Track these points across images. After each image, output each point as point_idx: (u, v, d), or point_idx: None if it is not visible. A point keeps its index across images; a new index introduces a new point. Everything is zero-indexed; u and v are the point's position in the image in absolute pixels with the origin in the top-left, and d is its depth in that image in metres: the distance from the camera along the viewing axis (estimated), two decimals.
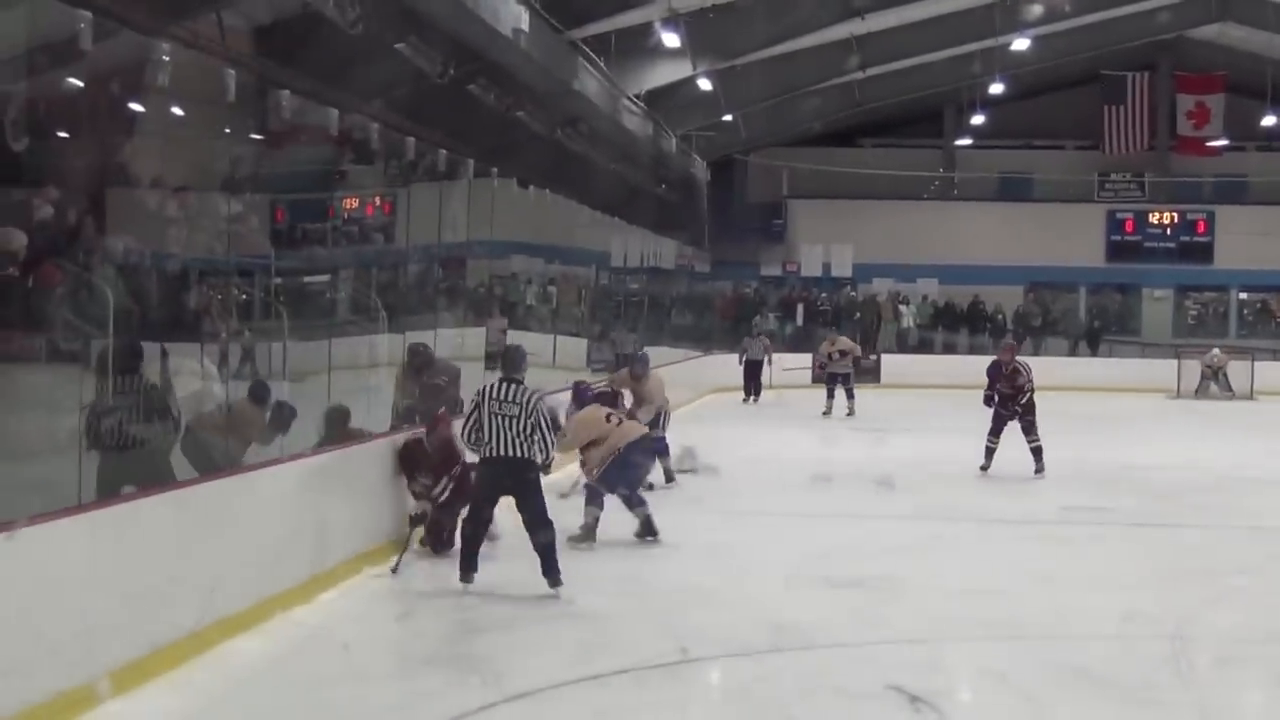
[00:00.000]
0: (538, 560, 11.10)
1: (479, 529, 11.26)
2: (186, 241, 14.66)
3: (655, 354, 28.84)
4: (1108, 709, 8.43)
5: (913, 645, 10.03)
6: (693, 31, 26.80)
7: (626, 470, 13.61)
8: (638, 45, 26.90)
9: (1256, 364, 38.95)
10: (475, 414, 11.18)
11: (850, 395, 28.57)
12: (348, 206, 20.94)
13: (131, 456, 10.21)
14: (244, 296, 16.14)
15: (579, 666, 9.10)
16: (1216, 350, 39.77)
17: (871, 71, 37.13)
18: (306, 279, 19.26)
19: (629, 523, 13.41)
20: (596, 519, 13.43)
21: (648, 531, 13.54)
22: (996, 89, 43.54)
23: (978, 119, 47.23)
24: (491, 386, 11.23)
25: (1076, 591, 12.01)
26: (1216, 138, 46.59)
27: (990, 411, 18.83)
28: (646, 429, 14.42)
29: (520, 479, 11.09)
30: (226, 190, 15.90)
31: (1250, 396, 37.29)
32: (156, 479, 9.74)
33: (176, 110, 15.25)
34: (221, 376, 12.73)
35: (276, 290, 16.36)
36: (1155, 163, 48.00)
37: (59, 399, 10.45)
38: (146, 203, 14.48)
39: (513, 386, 11.13)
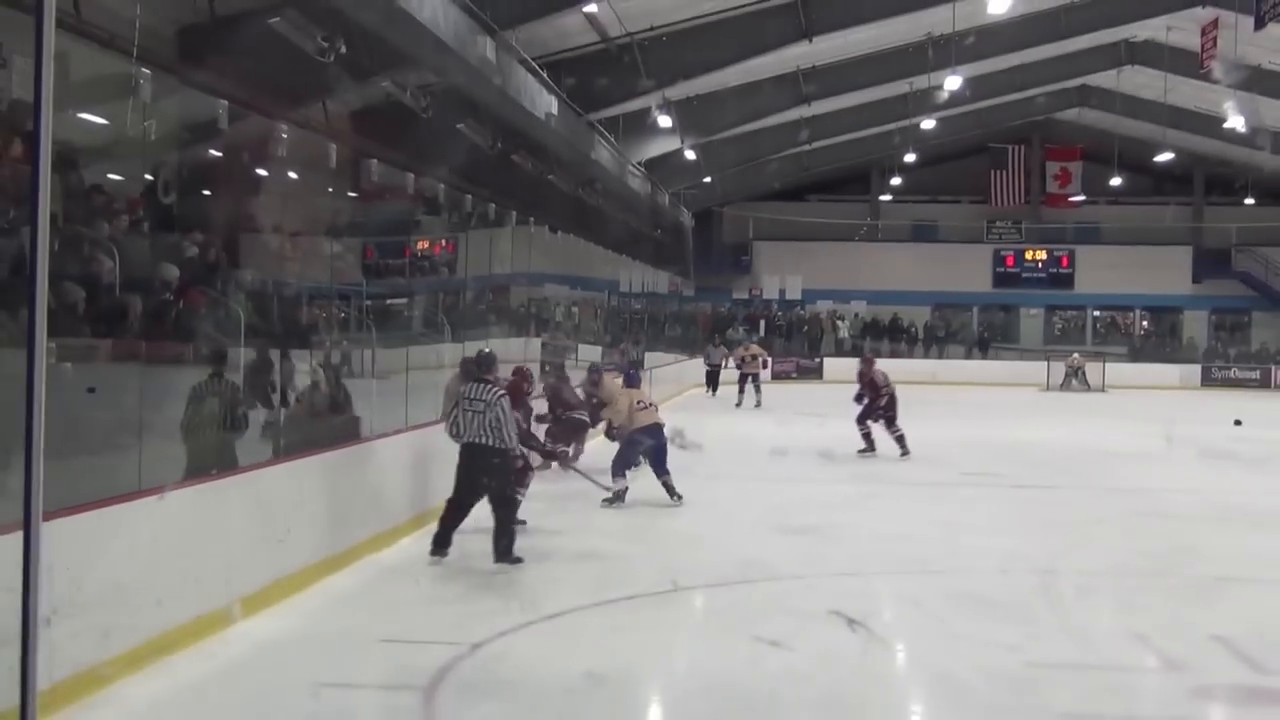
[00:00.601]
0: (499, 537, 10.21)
1: (458, 512, 10.28)
2: (299, 273, 14.65)
3: (651, 358, 28.97)
4: (994, 626, 8.39)
5: (848, 577, 10.04)
6: (681, 115, 26.80)
7: (628, 448, 13.59)
8: (640, 125, 26.89)
9: (1107, 365, 39.18)
10: (455, 411, 10.41)
11: (758, 390, 28.46)
12: (421, 247, 20.89)
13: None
14: (343, 315, 16.08)
15: (595, 594, 9.09)
16: (1076, 354, 39.93)
17: (816, 144, 37.20)
18: (389, 301, 19.22)
19: (631, 486, 13.38)
20: (625, 488, 13.34)
21: (670, 494, 13.49)
22: (910, 157, 43.61)
23: (896, 180, 47.36)
24: (467, 387, 10.46)
25: (971, 536, 12.02)
26: (1076, 194, 46.74)
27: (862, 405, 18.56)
28: (659, 419, 14.27)
29: (486, 463, 10.12)
30: (330, 235, 15.91)
31: (1103, 389, 37.33)
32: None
33: (292, 174, 15.23)
34: (326, 375, 12.67)
35: (367, 310, 16.31)
36: (1030, 213, 48.06)
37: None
38: (269, 244, 14.48)
39: (481, 386, 10.31)
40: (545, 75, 20.27)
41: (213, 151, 13.96)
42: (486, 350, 11.55)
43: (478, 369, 10.77)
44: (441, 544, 10.21)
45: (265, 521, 8.45)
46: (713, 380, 31.69)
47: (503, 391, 10.40)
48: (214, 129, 12.72)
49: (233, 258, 12.95)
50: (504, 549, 10.09)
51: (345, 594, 9.09)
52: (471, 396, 10.24)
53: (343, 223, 16.79)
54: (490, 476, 10.16)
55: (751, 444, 19.78)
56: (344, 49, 13.67)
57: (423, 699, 6.66)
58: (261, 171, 14.98)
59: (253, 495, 8.37)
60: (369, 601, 9.00)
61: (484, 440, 10.12)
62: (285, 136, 14.05)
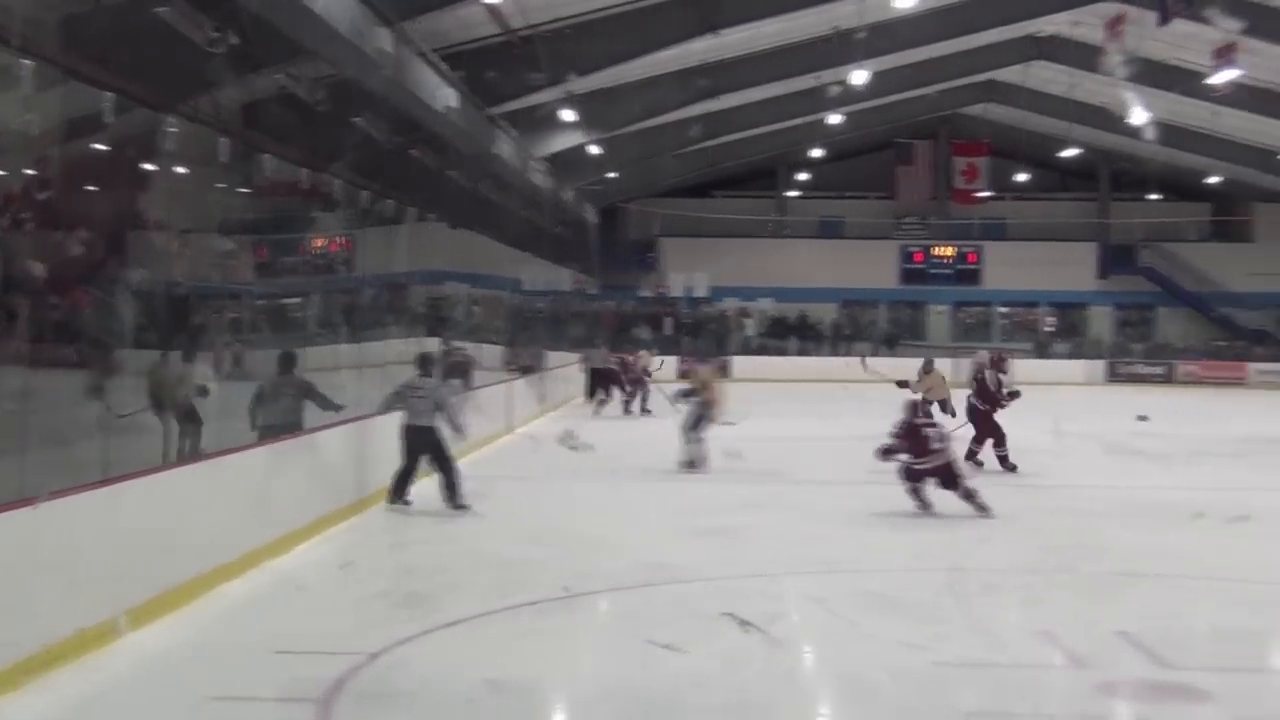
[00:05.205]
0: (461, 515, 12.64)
1: (407, 472, 12.96)
2: (189, 272, 14.45)
3: (554, 357, 28.86)
4: (901, 625, 8.48)
5: (755, 579, 10.06)
6: (584, 109, 26.79)
7: None
8: (542, 119, 26.85)
9: (1014, 361, 39.47)
10: (397, 395, 13.02)
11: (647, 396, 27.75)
12: (316, 244, 20.71)
13: None
14: (234, 315, 15.89)
15: (496, 600, 9.04)
16: (983, 351, 40.27)
17: (722, 139, 37.33)
18: (284, 301, 19.01)
19: (535, 490, 13.38)
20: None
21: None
22: (816, 153, 44.05)
23: (802, 175, 47.85)
24: (410, 378, 13.16)
25: (878, 534, 12.15)
26: (982, 190, 47.42)
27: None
28: None
29: (427, 440, 12.86)
30: (221, 232, 15.70)
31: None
32: None
33: (180, 169, 15.02)
34: (216, 377, 12.56)
35: (260, 310, 16.13)
36: (937, 209, 48.66)
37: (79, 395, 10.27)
38: (157, 242, 14.26)
39: (424, 379, 13.22)
40: (445, 68, 20.13)
41: (98, 146, 13.73)
42: (427, 352, 14.35)
43: (420, 366, 13.41)
44: (401, 495, 12.90)
45: (152, 530, 8.29)
46: (602, 382, 28.08)
47: (438, 383, 13.25)
48: (99, 122, 12.52)
49: (120, 256, 12.74)
50: (452, 496, 12.84)
51: (238, 603, 8.96)
52: (413, 386, 13.00)
53: (234, 220, 16.58)
54: (428, 449, 12.88)
55: (655, 443, 19.78)
56: (235, 40, 13.49)
57: (318, 711, 6.59)
58: (149, 167, 14.76)
59: (139, 503, 8.19)
60: (263, 611, 8.88)
61: (422, 422, 12.80)
62: (174, 130, 13.85)
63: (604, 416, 25.33)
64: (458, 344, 22.08)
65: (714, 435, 16.82)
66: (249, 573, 9.68)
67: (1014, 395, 17.60)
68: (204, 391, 12.77)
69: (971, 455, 16.78)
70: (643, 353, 28.55)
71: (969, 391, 17.77)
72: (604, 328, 41.98)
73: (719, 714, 6.76)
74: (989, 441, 17.05)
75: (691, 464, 16.52)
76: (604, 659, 7.88)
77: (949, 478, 13.24)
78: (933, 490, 13.26)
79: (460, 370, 19.36)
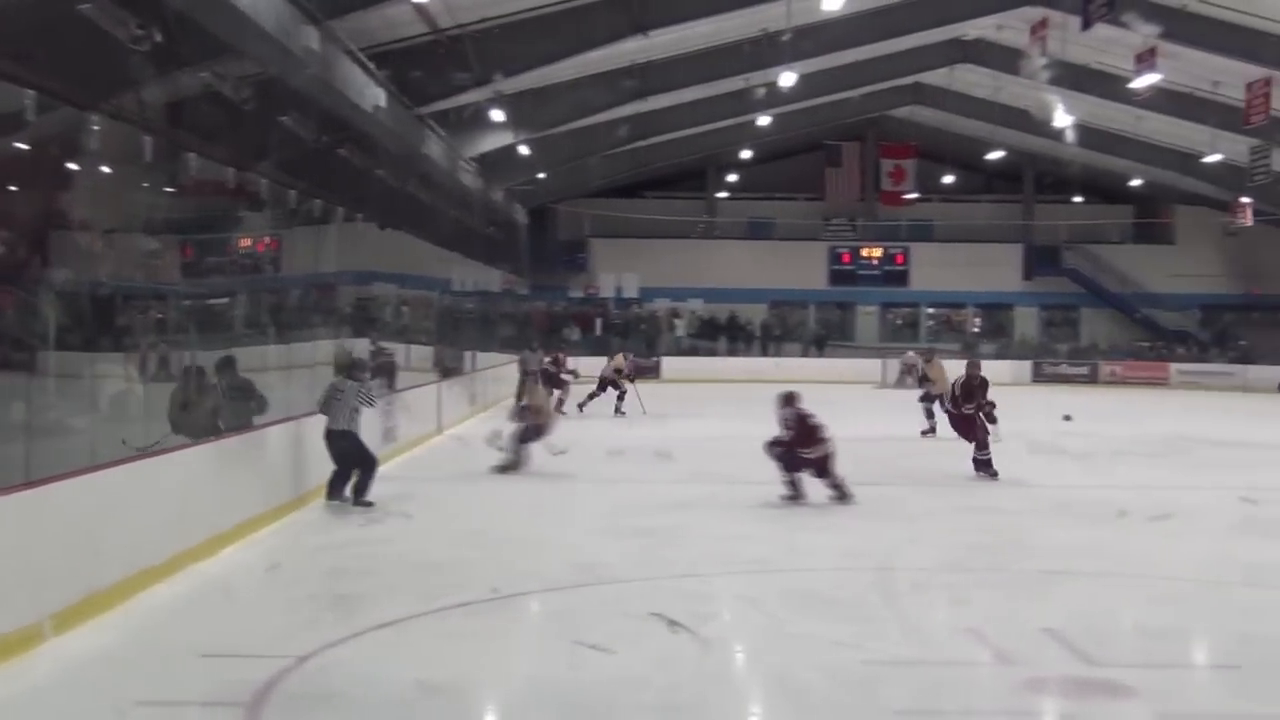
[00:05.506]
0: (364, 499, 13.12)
1: (342, 474, 13.14)
2: (113, 272, 14.27)
3: (484, 358, 28.77)
4: (831, 624, 8.56)
5: (686, 579, 10.12)
6: (514, 109, 26.72)
7: None
8: (471, 119, 26.76)
9: (941, 362, 39.81)
10: (325, 397, 13.21)
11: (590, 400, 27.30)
12: (243, 244, 20.51)
13: None
14: (160, 316, 15.70)
15: (427, 602, 9.01)
16: (911, 352, 40.65)
17: (652, 140, 37.37)
18: (210, 301, 18.81)
19: (465, 491, 13.35)
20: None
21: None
22: (746, 154, 44.25)
23: (732, 177, 48.15)
24: (335, 380, 13.40)
25: (808, 535, 12.23)
26: (910, 192, 47.87)
27: None
28: None
29: (348, 439, 13.07)
30: (146, 231, 15.51)
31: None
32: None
33: (105, 168, 14.82)
34: (141, 379, 12.41)
35: (186, 310, 15.95)
36: (865, 211, 49.06)
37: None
38: (81, 242, 14.07)
39: (346, 381, 13.33)
40: (372, 67, 20.00)
41: (19, 145, 13.52)
42: (356, 354, 15.06)
43: (342, 369, 13.80)
44: (336, 494, 13.11)
45: (77, 533, 8.18)
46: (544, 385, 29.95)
47: (357, 386, 13.25)
48: (20, 121, 12.32)
49: (43, 256, 12.57)
50: (358, 493, 13.09)
51: (164, 607, 8.88)
52: (338, 388, 13.18)
53: (159, 219, 16.36)
54: (348, 453, 13.10)
55: (585, 444, 19.79)
56: (159, 37, 13.31)
57: (247, 715, 6.54)
58: (72, 165, 14.55)
59: (64, 505, 8.08)
60: (189, 614, 8.80)
61: (342, 426, 13.00)
62: (97, 129, 13.66)
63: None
64: (385, 345, 21.96)
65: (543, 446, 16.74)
66: (175, 576, 9.59)
67: (979, 406, 16.70)
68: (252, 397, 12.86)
69: (985, 465, 16.50)
70: (619, 356, 28.41)
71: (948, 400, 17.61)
72: (535, 329, 41.93)
73: (650, 714, 6.78)
74: (973, 445, 16.70)
75: (506, 468, 16.36)
76: (534, 660, 7.88)
77: (824, 468, 13.96)
78: (855, 486, 13.42)
79: (386, 371, 19.29)
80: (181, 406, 12.01)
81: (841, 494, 13.97)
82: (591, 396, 26.61)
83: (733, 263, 46.94)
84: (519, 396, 28.64)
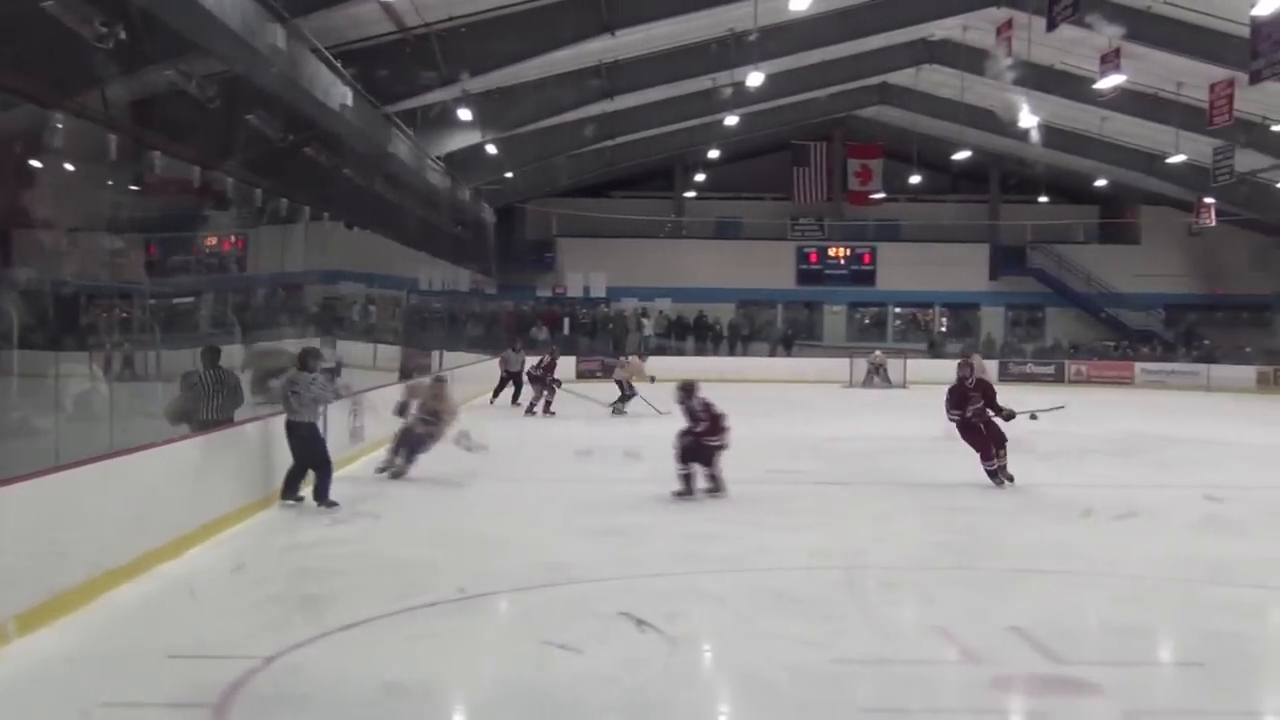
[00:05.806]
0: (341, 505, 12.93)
1: (297, 471, 13.04)
2: (78, 271, 14.18)
3: (452, 358, 28.71)
4: (799, 623, 8.58)
5: (655, 578, 10.11)
6: (481, 108, 26.72)
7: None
8: (439, 118, 26.73)
9: (908, 362, 40.21)
10: (282, 390, 13.00)
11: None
12: (208, 243, 20.40)
13: None
14: (124, 315, 15.60)
15: (394, 602, 8.97)
16: (878, 351, 40.95)
17: (620, 140, 37.35)
18: (175, 300, 18.71)
19: (433, 491, 13.32)
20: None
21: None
22: (713, 154, 44.28)
23: (699, 176, 48.15)
24: (291, 373, 13.12)
25: (776, 533, 12.22)
26: (877, 192, 47.94)
27: None
28: None
29: (309, 429, 13.01)
30: (110, 230, 15.41)
31: (904, 386, 38.38)
32: None
33: (68, 166, 14.72)
34: (106, 378, 12.34)
35: (151, 310, 15.85)
36: (832, 210, 49.16)
37: None
38: (45, 241, 13.97)
39: (303, 374, 13.06)
40: (339, 65, 19.94)
41: None
42: (311, 346, 14.48)
43: (301, 361, 13.29)
44: (292, 494, 12.98)
45: (40, 533, 8.11)
46: (516, 384, 28.89)
47: (314, 378, 13.03)
48: None
49: (5, 255, 12.47)
50: (318, 495, 12.96)
51: (129, 608, 8.82)
52: (294, 382, 12.91)
53: (124, 218, 16.27)
54: (303, 445, 12.96)
55: (553, 445, 19.79)
56: (124, 35, 13.24)
57: (213, 716, 6.50)
58: (35, 163, 14.45)
59: (28, 505, 8.01)
60: (155, 615, 8.74)
61: (301, 418, 12.88)
62: (61, 127, 13.58)
63: (510, 416, 25.34)
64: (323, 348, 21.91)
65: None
66: (141, 577, 9.53)
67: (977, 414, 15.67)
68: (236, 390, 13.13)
69: (992, 476, 15.52)
70: (634, 358, 28.31)
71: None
72: (503, 328, 41.85)
73: (618, 714, 6.78)
74: (980, 454, 15.69)
75: (395, 475, 15.76)
76: (502, 660, 7.86)
77: (715, 457, 14.32)
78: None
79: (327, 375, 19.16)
80: (200, 395, 12.48)
81: (718, 485, 14.23)
82: (625, 399, 26.79)
83: (700, 262, 46.97)
84: (494, 394, 28.80)
